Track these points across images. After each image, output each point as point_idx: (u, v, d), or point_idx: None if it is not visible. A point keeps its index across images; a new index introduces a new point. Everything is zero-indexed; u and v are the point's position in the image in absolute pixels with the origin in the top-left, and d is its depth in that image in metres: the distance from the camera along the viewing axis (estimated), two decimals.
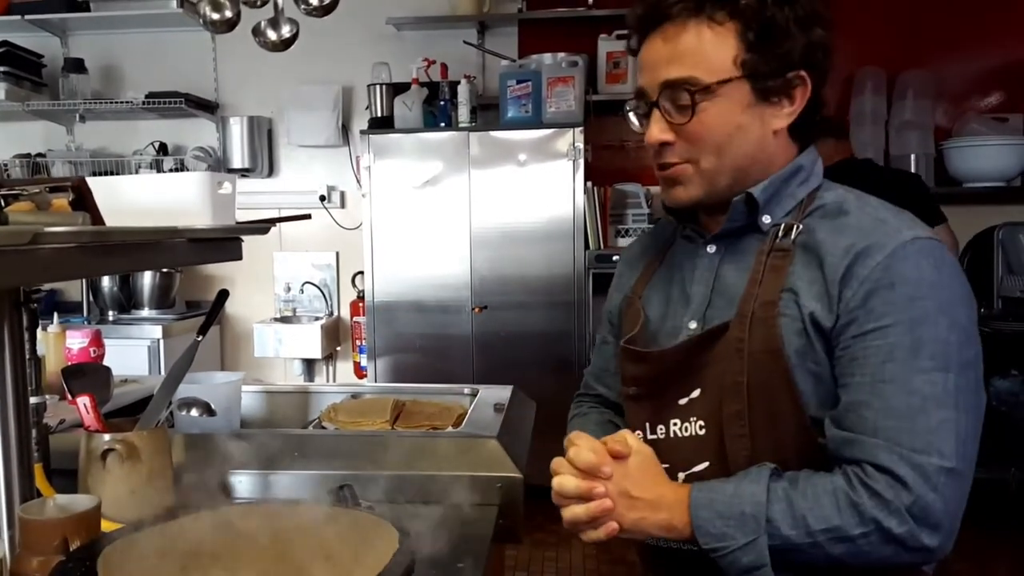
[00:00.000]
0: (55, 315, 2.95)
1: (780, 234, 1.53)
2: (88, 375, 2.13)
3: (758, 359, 1.47)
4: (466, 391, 3.07)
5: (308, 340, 6.33)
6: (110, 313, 6.20)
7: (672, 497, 1.46)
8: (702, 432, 1.55)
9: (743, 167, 1.54)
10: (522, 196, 5.71)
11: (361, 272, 6.20)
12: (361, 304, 6.24)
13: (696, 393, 1.55)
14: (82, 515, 1.52)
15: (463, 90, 5.86)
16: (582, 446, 1.48)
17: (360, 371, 6.32)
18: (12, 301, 1.65)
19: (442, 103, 5.93)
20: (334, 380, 6.70)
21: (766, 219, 1.56)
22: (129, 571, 1.27)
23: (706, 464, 1.56)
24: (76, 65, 6.50)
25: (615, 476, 1.45)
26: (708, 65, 1.48)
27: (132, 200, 1.89)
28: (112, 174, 6.28)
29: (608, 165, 6.31)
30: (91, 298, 6.21)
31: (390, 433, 2.59)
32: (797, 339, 1.45)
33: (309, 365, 6.63)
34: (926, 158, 6.09)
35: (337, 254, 6.73)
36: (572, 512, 1.46)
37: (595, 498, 1.44)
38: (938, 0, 6.18)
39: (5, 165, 6.44)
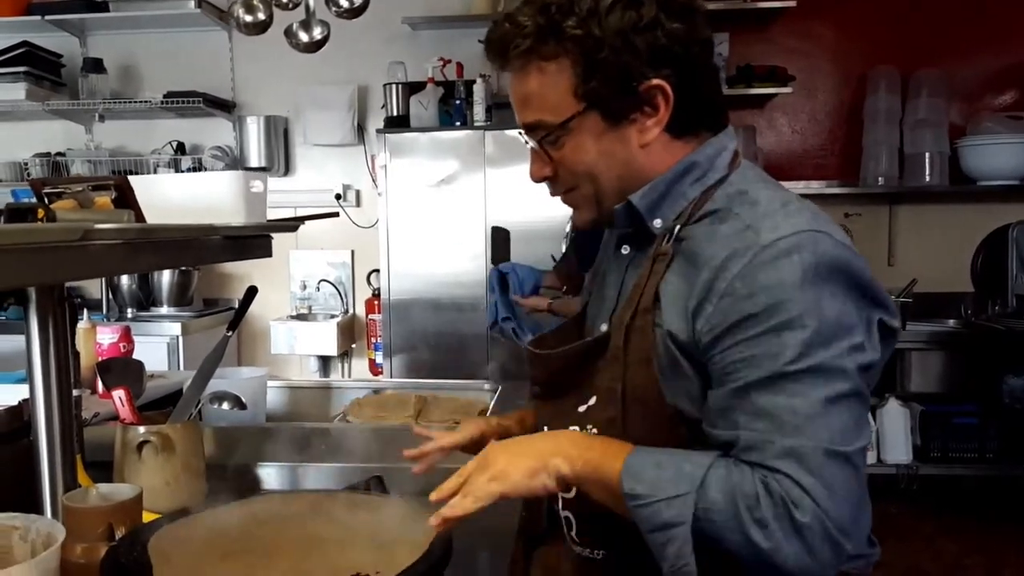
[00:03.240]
0: (85, 311, 3.00)
1: (665, 239, 1.46)
2: (122, 369, 2.17)
3: (632, 368, 1.44)
4: (486, 387, 3.11)
5: (324, 337, 6.37)
6: (129, 310, 6.22)
7: (586, 438, 1.43)
8: None
9: (622, 185, 1.49)
10: (537, 194, 5.63)
11: (376, 270, 6.22)
12: (376, 302, 6.26)
13: (592, 401, 1.51)
14: (126, 503, 1.56)
15: (478, 89, 5.88)
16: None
17: (375, 368, 6.34)
18: (56, 297, 1.69)
19: (457, 102, 5.96)
20: (349, 377, 6.73)
21: (657, 222, 1.49)
22: (177, 557, 1.31)
23: None
24: (95, 65, 6.53)
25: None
26: (551, 106, 1.45)
27: (169, 198, 1.93)
28: (131, 173, 6.30)
29: None
30: (110, 296, 6.25)
31: (415, 427, 2.63)
32: (664, 351, 1.40)
33: (324, 362, 6.66)
34: (940, 156, 6.10)
35: (352, 252, 6.74)
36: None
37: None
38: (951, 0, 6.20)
39: (25, 164, 6.48)
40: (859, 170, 6.32)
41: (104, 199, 1.67)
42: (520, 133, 1.55)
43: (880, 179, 6.20)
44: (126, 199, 1.68)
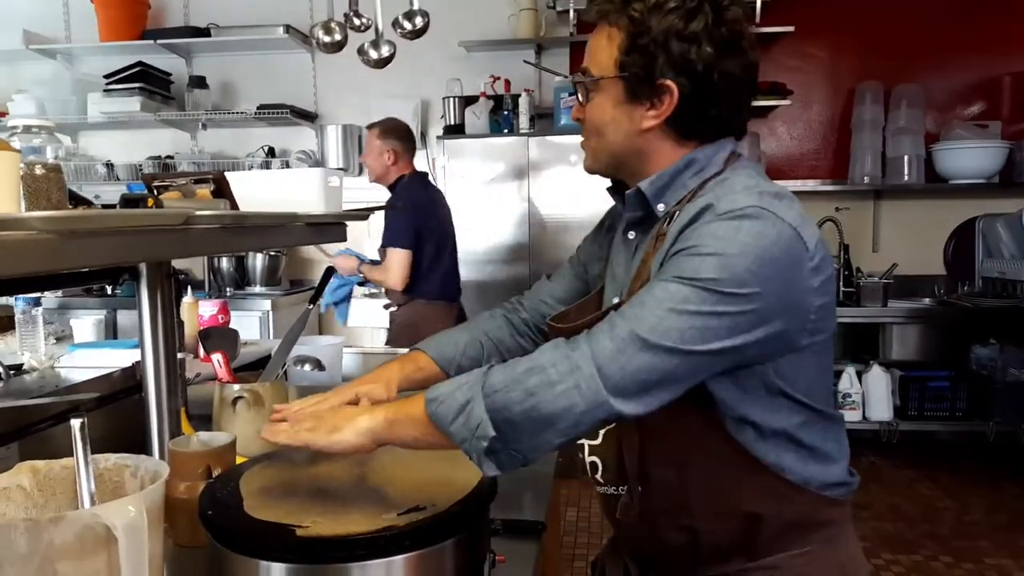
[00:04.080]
0: (189, 289, 3.02)
1: (666, 221, 1.45)
2: (220, 336, 2.18)
3: None
4: None
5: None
6: (227, 289, 6.27)
7: (397, 402, 1.39)
8: None
9: (618, 154, 1.50)
10: (573, 191, 5.71)
11: None
12: None
13: None
14: (222, 449, 1.57)
15: (523, 102, 5.89)
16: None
17: None
18: (164, 273, 1.70)
19: (505, 113, 5.97)
20: None
21: (660, 207, 1.48)
22: (263, 491, 1.31)
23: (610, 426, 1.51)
24: (199, 82, 6.61)
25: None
26: (598, 62, 1.47)
27: (260, 191, 1.94)
28: None
29: None
30: (212, 277, 6.30)
31: None
32: None
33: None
34: (917, 158, 6.06)
35: None
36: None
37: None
38: (928, 23, 6.14)
39: (140, 165, 6.54)
40: (848, 170, 6.28)
41: (204, 191, 1.68)
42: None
43: (866, 178, 6.16)
44: (222, 191, 1.69)
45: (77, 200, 1.59)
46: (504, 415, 1.22)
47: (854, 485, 1.52)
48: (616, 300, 1.51)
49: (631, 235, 1.57)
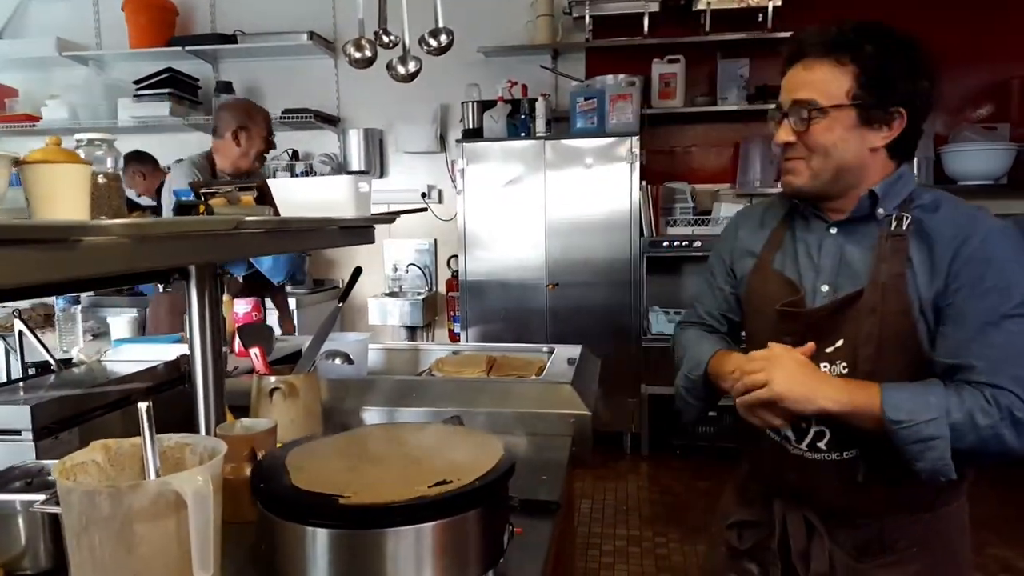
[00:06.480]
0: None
1: (894, 223, 1.71)
2: (256, 332, 2.30)
3: (890, 317, 1.67)
4: (544, 349, 3.20)
5: (411, 311, 6.53)
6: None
7: (842, 383, 1.65)
8: (845, 372, 1.72)
9: (841, 170, 1.73)
10: (588, 193, 5.83)
11: (455, 255, 6.36)
12: (455, 282, 6.40)
13: (840, 343, 1.73)
14: (265, 433, 1.70)
15: (540, 106, 5.99)
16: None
17: (454, 337, 6.47)
18: (210, 273, 1.83)
19: (523, 117, 6.06)
20: (432, 342, 6.88)
21: (880, 211, 1.74)
22: (308, 467, 1.44)
23: None
24: (225, 87, 6.77)
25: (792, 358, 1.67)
26: (827, 93, 1.69)
27: (296, 196, 2.07)
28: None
29: (660, 167, 6.40)
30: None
31: (487, 379, 2.73)
32: (916, 302, 1.65)
33: (412, 332, 6.77)
34: (927, 160, 6.10)
35: (435, 241, 6.88)
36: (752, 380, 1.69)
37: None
38: (937, 25, 6.17)
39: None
40: None
41: (248, 198, 1.81)
42: (777, 108, 1.79)
43: None
44: (264, 197, 1.82)
45: (131, 206, 1.72)
46: (961, 448, 1.55)
47: None
48: (826, 288, 1.79)
49: (833, 230, 1.82)
